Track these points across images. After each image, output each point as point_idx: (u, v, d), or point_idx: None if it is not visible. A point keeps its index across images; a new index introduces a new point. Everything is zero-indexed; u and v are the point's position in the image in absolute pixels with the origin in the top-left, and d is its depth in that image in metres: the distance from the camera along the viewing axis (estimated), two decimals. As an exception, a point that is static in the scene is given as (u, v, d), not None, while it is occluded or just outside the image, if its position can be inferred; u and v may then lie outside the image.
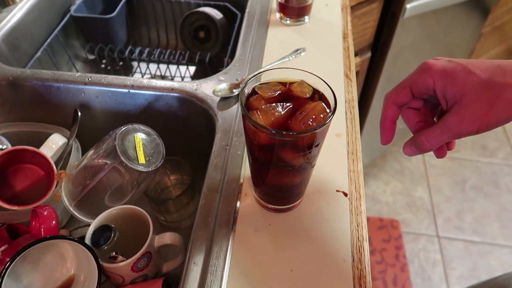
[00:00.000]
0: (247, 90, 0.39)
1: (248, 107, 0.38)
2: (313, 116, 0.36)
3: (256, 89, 0.39)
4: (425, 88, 0.37)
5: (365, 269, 0.42)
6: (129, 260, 0.47)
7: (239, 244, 0.44)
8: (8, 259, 0.41)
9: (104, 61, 0.93)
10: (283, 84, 0.40)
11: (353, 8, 1.00)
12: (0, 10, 0.73)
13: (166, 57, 0.90)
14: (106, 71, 0.93)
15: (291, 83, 0.40)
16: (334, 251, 0.44)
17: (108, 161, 0.51)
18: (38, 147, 0.57)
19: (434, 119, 0.42)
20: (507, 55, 2.15)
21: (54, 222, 0.49)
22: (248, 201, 0.48)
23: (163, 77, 0.90)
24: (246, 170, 0.51)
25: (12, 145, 0.62)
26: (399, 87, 0.39)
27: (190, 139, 0.68)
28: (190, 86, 0.61)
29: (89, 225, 0.50)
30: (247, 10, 0.79)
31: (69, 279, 0.50)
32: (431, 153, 0.40)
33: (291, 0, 0.72)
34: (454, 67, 0.35)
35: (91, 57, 0.92)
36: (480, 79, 0.34)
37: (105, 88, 0.62)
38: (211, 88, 0.61)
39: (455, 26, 1.41)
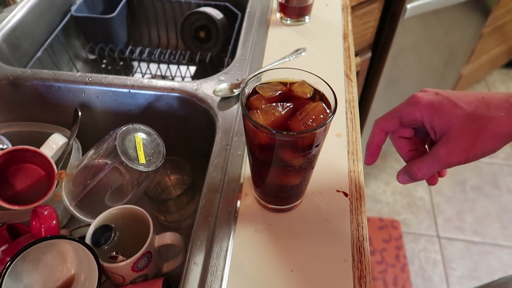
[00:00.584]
0: (248, 90, 0.39)
1: (248, 107, 0.38)
2: (313, 117, 0.36)
3: (256, 89, 0.39)
4: (413, 120, 0.39)
5: (366, 269, 0.42)
6: (129, 260, 0.47)
7: (239, 244, 0.44)
8: (8, 259, 0.41)
9: (104, 61, 0.93)
10: (284, 84, 0.40)
11: (353, 8, 1.00)
12: (1, 10, 0.73)
13: (166, 57, 0.90)
14: (107, 71, 0.93)
15: (292, 83, 0.40)
16: (334, 251, 0.44)
17: (109, 161, 0.51)
18: (39, 147, 0.57)
19: (426, 146, 0.43)
20: (507, 55, 2.15)
21: (54, 221, 0.49)
22: (248, 201, 0.48)
23: (163, 77, 0.90)
24: (246, 170, 0.51)
25: (13, 145, 0.62)
26: (388, 115, 0.41)
27: (190, 139, 0.68)
28: (191, 86, 0.61)
29: (89, 225, 0.50)
30: (247, 10, 0.79)
31: (70, 278, 0.50)
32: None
33: (292, 0, 0.72)
34: (440, 101, 0.37)
35: (91, 57, 0.92)
36: (465, 112, 0.36)
37: (105, 88, 0.62)
38: (212, 88, 0.61)
39: (456, 26, 1.41)
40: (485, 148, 0.36)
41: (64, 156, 0.60)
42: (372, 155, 0.44)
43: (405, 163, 0.42)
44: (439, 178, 0.43)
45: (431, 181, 0.42)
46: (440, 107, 0.37)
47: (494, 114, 0.35)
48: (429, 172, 0.39)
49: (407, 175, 0.41)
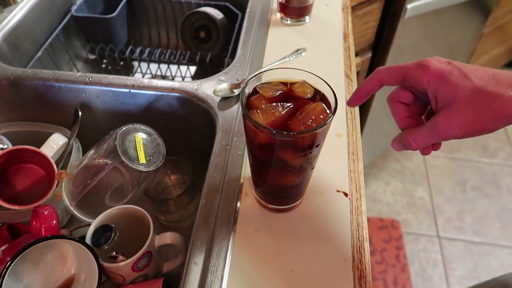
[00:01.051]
0: (248, 90, 0.39)
1: (248, 107, 0.38)
2: (313, 117, 0.36)
3: (257, 89, 0.39)
4: (417, 84, 0.38)
5: (366, 269, 0.42)
6: (129, 260, 0.47)
7: (240, 244, 0.44)
8: (8, 259, 0.41)
9: (105, 61, 0.93)
10: (284, 84, 0.40)
11: (353, 8, 1.00)
12: (1, 10, 0.73)
13: (166, 57, 0.90)
14: (107, 71, 0.93)
15: (293, 83, 0.40)
16: (334, 251, 0.44)
17: (109, 161, 0.51)
18: (39, 146, 0.57)
19: (422, 117, 0.42)
20: (507, 55, 2.15)
21: (54, 221, 0.49)
22: (248, 201, 0.48)
23: (163, 77, 0.90)
24: (246, 170, 0.51)
25: (13, 145, 0.62)
26: (393, 69, 0.39)
27: (190, 139, 0.68)
28: (191, 86, 0.61)
29: (89, 224, 0.50)
30: (247, 10, 0.79)
31: (70, 278, 0.50)
32: (432, 153, 0.41)
33: (292, 0, 0.72)
34: (451, 71, 0.36)
35: (92, 57, 0.92)
36: (474, 85, 0.35)
37: (105, 88, 0.62)
38: (212, 88, 0.61)
39: (456, 26, 1.41)
40: (486, 127, 0.35)
41: (64, 156, 0.60)
42: (358, 99, 0.42)
43: (400, 130, 0.41)
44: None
45: (425, 151, 0.41)
46: (450, 76, 0.35)
47: (502, 92, 0.34)
48: (424, 143, 0.38)
49: (401, 143, 0.40)
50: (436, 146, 0.41)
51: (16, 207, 0.52)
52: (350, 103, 0.43)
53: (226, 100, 0.59)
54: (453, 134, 0.36)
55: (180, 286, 0.42)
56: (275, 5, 0.79)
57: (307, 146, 0.37)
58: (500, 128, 0.35)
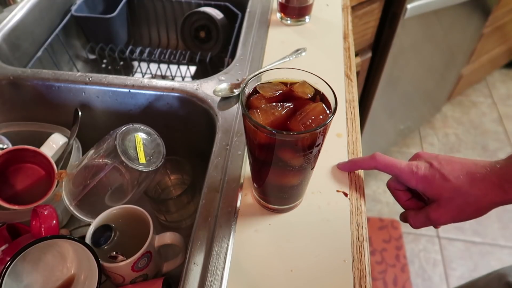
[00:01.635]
0: (248, 90, 0.39)
1: (248, 107, 0.38)
2: (313, 117, 0.36)
3: (257, 88, 0.39)
4: (408, 184, 0.46)
5: (365, 269, 0.42)
6: (129, 260, 0.47)
7: (239, 244, 0.44)
8: (8, 259, 0.41)
9: (105, 60, 0.93)
10: (284, 84, 0.40)
11: (353, 8, 1.00)
12: (1, 9, 0.73)
13: (166, 57, 0.90)
14: (107, 71, 0.93)
15: (293, 83, 0.40)
16: (334, 251, 0.44)
17: (109, 161, 0.51)
18: (39, 146, 0.57)
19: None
20: (507, 55, 2.15)
21: (54, 221, 0.49)
22: (248, 201, 0.48)
23: (163, 77, 0.90)
24: (246, 170, 0.51)
25: (13, 145, 0.62)
26: (389, 165, 0.47)
27: (190, 139, 0.68)
28: (191, 86, 0.61)
29: (89, 224, 0.50)
30: (247, 10, 0.79)
31: (70, 278, 0.50)
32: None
33: (292, 0, 0.72)
34: (433, 175, 0.44)
35: (91, 56, 0.92)
36: (453, 186, 0.42)
37: (105, 88, 0.62)
38: (212, 88, 0.61)
39: (456, 26, 1.41)
40: (470, 217, 0.43)
41: (64, 156, 0.60)
42: (349, 169, 0.51)
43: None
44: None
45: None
46: (433, 180, 0.44)
47: (475, 192, 0.41)
48: (422, 226, 0.47)
49: (405, 221, 0.50)
50: (436, 226, 0.48)
51: (16, 207, 0.52)
52: (341, 167, 0.51)
53: (226, 100, 0.59)
54: (444, 222, 0.45)
55: (180, 286, 0.42)
56: (275, 5, 0.79)
57: (307, 146, 0.37)
58: (486, 213, 0.43)
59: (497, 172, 0.41)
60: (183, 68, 0.91)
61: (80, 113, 0.61)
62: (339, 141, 0.54)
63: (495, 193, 0.41)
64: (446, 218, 0.44)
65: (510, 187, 0.40)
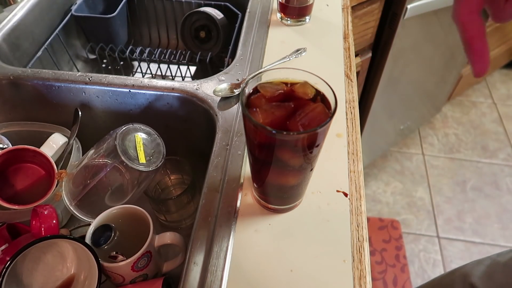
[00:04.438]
0: (248, 90, 0.39)
1: (248, 106, 0.38)
2: (313, 117, 0.36)
3: (258, 88, 0.39)
4: None
5: (365, 269, 0.42)
6: (129, 260, 0.47)
7: (239, 244, 0.44)
8: (8, 259, 0.41)
9: (105, 60, 0.93)
10: (285, 84, 0.40)
11: (354, 8, 1.00)
12: (1, 9, 0.73)
13: (167, 57, 0.90)
14: (107, 71, 0.93)
15: (294, 84, 0.40)
16: (334, 251, 0.44)
17: (109, 161, 0.51)
18: (39, 146, 0.57)
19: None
20: (507, 55, 2.15)
21: (54, 221, 0.49)
22: (248, 201, 0.48)
23: (163, 77, 0.90)
24: (246, 170, 0.51)
25: (13, 145, 0.62)
26: None
27: (190, 139, 0.68)
28: (191, 86, 0.61)
29: (89, 224, 0.50)
30: (248, 10, 0.79)
31: (70, 278, 0.50)
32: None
33: (292, 0, 0.72)
34: None
35: (92, 56, 0.92)
36: None
37: (105, 88, 0.62)
38: (212, 88, 0.61)
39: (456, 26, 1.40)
40: None
41: (64, 156, 0.60)
42: (481, 54, 0.32)
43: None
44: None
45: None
46: None
47: None
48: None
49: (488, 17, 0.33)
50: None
51: (16, 207, 0.52)
52: (479, 68, 0.33)
53: (226, 100, 0.59)
54: None
55: (180, 286, 0.42)
56: (275, 5, 0.79)
57: (307, 146, 0.37)
58: None
59: None
60: (183, 68, 0.91)
61: (80, 113, 0.61)
62: (339, 141, 0.54)
63: None
64: None
65: None
